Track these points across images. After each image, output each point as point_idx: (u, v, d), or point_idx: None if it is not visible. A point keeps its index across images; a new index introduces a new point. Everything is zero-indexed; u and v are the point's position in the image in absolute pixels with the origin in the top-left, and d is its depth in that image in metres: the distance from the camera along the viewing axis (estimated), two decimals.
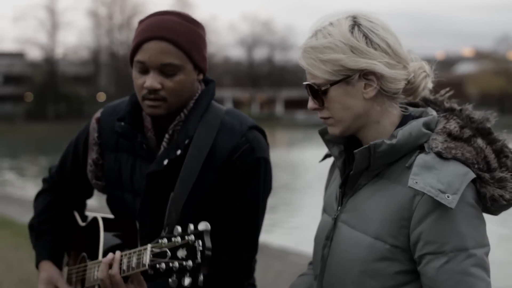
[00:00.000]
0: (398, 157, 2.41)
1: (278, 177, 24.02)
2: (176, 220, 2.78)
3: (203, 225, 2.38)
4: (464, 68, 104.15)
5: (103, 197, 3.24)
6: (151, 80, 2.88)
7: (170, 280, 2.35)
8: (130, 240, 2.96)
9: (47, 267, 3.26)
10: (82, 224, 3.29)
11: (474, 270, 2.27)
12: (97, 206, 6.50)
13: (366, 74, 2.40)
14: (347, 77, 2.40)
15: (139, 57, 2.91)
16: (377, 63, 2.38)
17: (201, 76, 3.02)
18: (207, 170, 2.93)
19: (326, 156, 2.79)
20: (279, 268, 10.17)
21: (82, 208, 3.44)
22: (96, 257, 2.98)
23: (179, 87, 2.91)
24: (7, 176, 27.89)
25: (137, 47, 2.92)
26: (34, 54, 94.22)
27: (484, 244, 2.32)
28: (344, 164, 2.59)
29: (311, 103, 2.51)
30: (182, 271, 2.34)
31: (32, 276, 7.66)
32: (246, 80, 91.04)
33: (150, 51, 2.88)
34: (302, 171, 26.55)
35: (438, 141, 2.37)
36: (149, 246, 2.48)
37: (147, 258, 2.45)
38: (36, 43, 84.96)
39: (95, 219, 3.10)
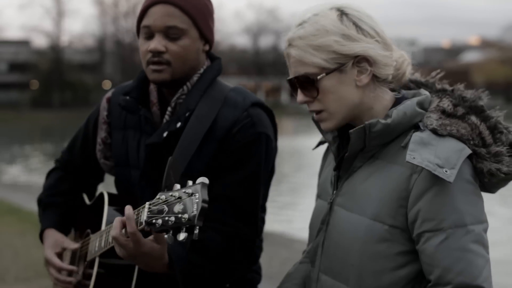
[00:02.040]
0: (393, 137, 2.43)
1: (283, 164, 24.08)
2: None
3: (201, 179, 2.36)
4: (470, 57, 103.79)
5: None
6: (155, 43, 2.92)
7: (166, 236, 2.34)
8: None
9: (52, 233, 3.28)
10: (88, 202, 3.34)
11: (473, 247, 2.28)
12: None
13: (359, 62, 2.41)
14: (341, 65, 2.41)
15: (145, 21, 2.96)
16: (371, 48, 2.41)
17: (207, 47, 3.05)
18: (207, 143, 2.94)
19: (320, 143, 2.80)
20: (285, 255, 10.19)
21: (92, 191, 3.48)
22: (99, 228, 3.01)
23: (184, 52, 2.94)
24: (13, 163, 27.93)
25: (143, 12, 2.97)
26: (40, 41, 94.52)
27: (482, 220, 2.34)
28: (339, 149, 2.59)
29: (301, 96, 2.50)
30: (178, 226, 2.32)
31: (39, 262, 7.70)
32: (251, 68, 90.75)
33: (155, 14, 2.93)
34: (307, 158, 26.50)
35: (432, 119, 2.39)
36: (147, 204, 2.47)
37: (144, 215, 2.45)
38: (41, 31, 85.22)
39: (101, 195, 3.14)
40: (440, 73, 2.64)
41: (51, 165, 3.60)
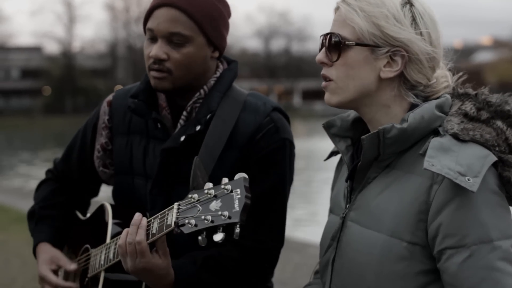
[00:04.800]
0: (410, 143, 2.21)
1: (296, 167, 23.94)
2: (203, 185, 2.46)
3: (241, 174, 2.17)
4: (482, 57, 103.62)
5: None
6: (157, 49, 2.74)
7: (199, 238, 2.15)
8: None
9: (47, 248, 3.06)
10: (84, 218, 3.13)
11: (500, 264, 2.05)
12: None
13: (395, 53, 2.21)
14: (376, 45, 2.22)
15: (149, 24, 2.78)
16: (416, 44, 2.21)
17: (216, 54, 2.86)
18: (228, 150, 2.76)
19: (332, 153, 2.62)
20: (298, 261, 10.02)
21: (85, 207, 3.27)
22: (103, 243, 2.80)
23: (186, 61, 2.75)
24: (25, 170, 27.89)
25: (148, 14, 2.79)
26: (52, 48, 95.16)
27: (510, 235, 2.10)
28: (352, 159, 2.40)
29: (322, 55, 2.30)
30: (214, 226, 2.12)
31: None
32: (263, 72, 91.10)
33: (159, 18, 2.75)
34: (320, 162, 26.30)
35: (454, 123, 2.18)
36: (175, 204, 2.27)
37: (173, 217, 2.24)
38: (53, 37, 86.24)
39: (101, 207, 2.93)
40: (462, 76, 2.40)
41: None
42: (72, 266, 2.98)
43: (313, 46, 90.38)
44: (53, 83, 79.52)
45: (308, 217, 15.05)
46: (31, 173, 25.23)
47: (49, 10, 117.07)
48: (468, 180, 2.03)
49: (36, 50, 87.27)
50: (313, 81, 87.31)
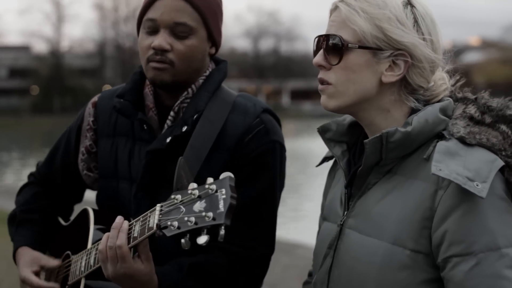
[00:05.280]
0: (414, 148, 2.14)
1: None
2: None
3: (226, 174, 2.08)
4: (471, 57, 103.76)
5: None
6: (160, 39, 2.64)
7: (182, 241, 2.06)
8: None
9: (27, 251, 2.94)
10: (66, 223, 3.02)
11: (508, 273, 1.98)
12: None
13: (397, 56, 2.14)
14: (379, 48, 2.14)
15: (150, 14, 2.68)
16: (419, 47, 2.14)
17: (213, 50, 2.79)
18: (216, 152, 2.67)
19: (325, 159, 2.53)
20: (286, 262, 9.98)
21: (68, 213, 3.16)
22: (84, 248, 2.69)
23: (189, 53, 2.67)
24: (12, 169, 27.74)
25: (149, 3, 2.68)
26: (40, 47, 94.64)
27: None
28: (349, 165, 2.31)
29: (320, 58, 2.21)
30: (198, 228, 2.03)
31: None
32: (252, 71, 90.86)
33: (163, 7, 2.65)
34: (309, 161, 26.41)
35: (459, 126, 2.12)
36: (157, 205, 2.18)
37: (155, 219, 2.16)
38: (41, 36, 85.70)
39: (84, 212, 2.82)
40: (460, 80, 2.33)
41: None
42: (54, 262, 2.88)
43: (301, 46, 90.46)
44: (41, 82, 79.11)
45: (295, 216, 15.01)
46: (20, 174, 25.11)
47: (37, 9, 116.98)
48: (477, 185, 1.97)
49: (24, 49, 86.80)
50: (302, 81, 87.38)
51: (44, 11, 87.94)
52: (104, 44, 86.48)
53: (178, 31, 2.65)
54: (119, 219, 2.41)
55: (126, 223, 2.40)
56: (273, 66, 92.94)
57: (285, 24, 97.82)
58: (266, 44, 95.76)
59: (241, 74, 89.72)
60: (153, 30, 2.67)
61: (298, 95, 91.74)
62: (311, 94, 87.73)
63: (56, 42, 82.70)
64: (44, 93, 78.13)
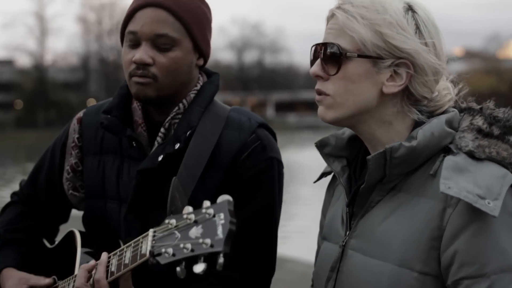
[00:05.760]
0: (419, 163, 2.03)
1: None
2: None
3: (224, 197, 1.93)
4: (454, 68, 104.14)
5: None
6: (141, 53, 2.50)
7: (178, 269, 1.91)
8: None
9: (13, 273, 2.77)
10: (51, 246, 2.87)
11: None
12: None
13: (399, 65, 2.03)
14: (379, 57, 2.03)
15: (131, 27, 2.54)
16: (422, 55, 2.03)
17: (201, 62, 2.64)
18: (211, 170, 2.54)
19: (323, 175, 2.40)
20: (276, 276, 9.88)
21: (53, 234, 3.01)
22: (71, 273, 2.56)
23: (173, 66, 2.52)
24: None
25: (130, 15, 2.55)
26: (23, 61, 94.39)
27: None
28: (350, 181, 2.19)
29: (317, 67, 2.09)
30: (195, 255, 1.88)
31: None
32: (236, 84, 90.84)
33: (143, 19, 2.51)
34: (296, 173, 26.27)
35: (468, 139, 2.01)
36: (150, 230, 2.05)
37: (147, 245, 2.02)
38: (25, 50, 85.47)
39: (70, 234, 2.68)
40: (462, 89, 2.22)
41: None
42: (45, 281, 2.71)
43: (286, 58, 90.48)
44: (25, 96, 78.91)
45: (284, 229, 14.90)
46: (2, 190, 24.96)
47: (20, 23, 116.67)
48: (489, 203, 1.87)
49: (7, 63, 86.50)
50: (286, 93, 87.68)
51: (28, 24, 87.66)
52: (88, 58, 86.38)
53: (160, 43, 2.51)
54: (103, 255, 2.30)
55: (104, 255, 2.29)
56: (258, 78, 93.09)
57: (269, 36, 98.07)
58: (250, 56, 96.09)
59: (225, 86, 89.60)
60: (135, 43, 2.54)
61: (283, 107, 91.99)
62: (296, 106, 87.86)
63: (40, 56, 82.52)
64: (28, 107, 77.92)
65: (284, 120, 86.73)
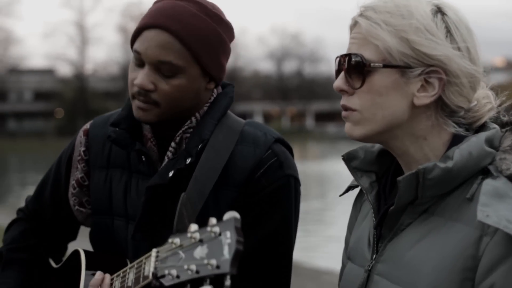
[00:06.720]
0: (455, 185, 1.87)
1: (310, 190, 23.84)
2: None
3: (230, 214, 1.78)
4: (495, 78, 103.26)
5: None
6: (143, 77, 2.36)
7: None
8: None
9: None
10: (56, 266, 2.74)
11: None
12: None
13: (430, 73, 1.87)
14: (407, 66, 1.87)
15: (137, 45, 2.41)
16: (455, 60, 1.86)
17: (212, 85, 2.49)
18: (223, 188, 2.40)
19: (350, 188, 2.24)
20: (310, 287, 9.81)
21: (61, 253, 2.88)
22: None
23: (176, 94, 2.38)
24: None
25: (137, 33, 2.42)
26: (64, 70, 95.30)
27: None
28: (378, 199, 2.04)
29: (340, 81, 1.94)
30: (200, 277, 1.76)
31: None
32: (275, 94, 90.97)
33: (148, 41, 2.37)
34: (335, 183, 26.22)
35: (509, 161, 1.83)
36: (153, 251, 1.94)
37: (150, 266, 1.93)
38: (66, 59, 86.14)
39: (75, 253, 2.57)
40: (505, 101, 2.03)
41: None
42: None
43: (325, 68, 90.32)
44: (66, 105, 79.93)
45: (320, 240, 14.81)
46: None
47: (61, 33, 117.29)
48: None
49: (48, 72, 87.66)
50: (326, 103, 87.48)
51: (68, 34, 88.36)
52: (128, 67, 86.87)
53: (163, 69, 2.37)
54: (98, 275, 2.21)
55: (108, 277, 2.19)
56: (297, 88, 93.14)
57: (308, 46, 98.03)
58: (289, 66, 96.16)
59: (264, 96, 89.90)
60: (140, 63, 2.42)
61: (322, 117, 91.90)
62: (335, 116, 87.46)
63: (80, 65, 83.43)
64: (69, 116, 78.85)
65: (323, 130, 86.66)
